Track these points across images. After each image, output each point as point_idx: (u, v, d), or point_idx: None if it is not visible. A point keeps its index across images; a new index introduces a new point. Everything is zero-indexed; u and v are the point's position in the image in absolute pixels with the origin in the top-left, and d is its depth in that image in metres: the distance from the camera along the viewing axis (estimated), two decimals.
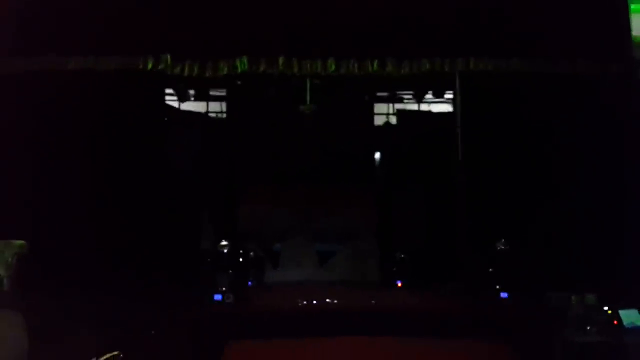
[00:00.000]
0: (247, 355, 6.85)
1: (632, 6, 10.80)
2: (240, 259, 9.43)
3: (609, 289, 7.05)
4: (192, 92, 10.17)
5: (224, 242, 9.03)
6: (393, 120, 11.72)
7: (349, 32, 8.86)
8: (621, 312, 6.32)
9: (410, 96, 11.38)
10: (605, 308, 6.51)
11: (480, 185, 9.29)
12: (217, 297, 8.07)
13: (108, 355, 4.99)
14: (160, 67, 8.18)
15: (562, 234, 8.54)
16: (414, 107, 11.65)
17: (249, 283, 9.49)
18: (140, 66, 8.12)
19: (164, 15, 8.42)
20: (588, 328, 6.42)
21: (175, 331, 7.02)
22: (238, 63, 8.44)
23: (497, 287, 8.36)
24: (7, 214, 7.63)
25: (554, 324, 6.80)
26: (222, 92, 10.62)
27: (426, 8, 8.94)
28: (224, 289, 8.16)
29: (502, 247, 8.65)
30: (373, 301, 8.30)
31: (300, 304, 8.07)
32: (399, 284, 10.13)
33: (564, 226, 8.61)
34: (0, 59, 8.12)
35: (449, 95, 11.34)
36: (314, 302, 8.16)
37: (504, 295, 8.23)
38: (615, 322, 6.29)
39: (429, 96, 11.32)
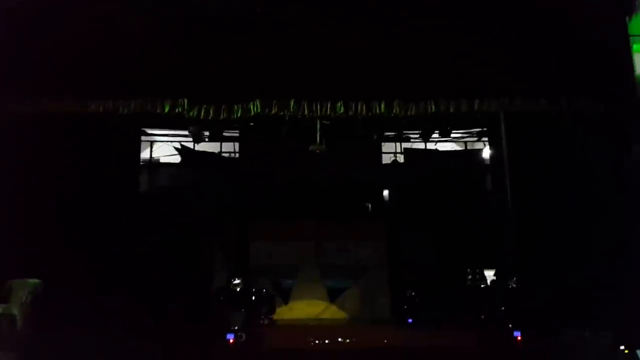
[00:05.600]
0: None
1: (635, 46, 11.12)
2: (253, 297, 9.43)
3: (626, 327, 7.00)
4: (206, 133, 10.38)
5: (236, 280, 9.07)
6: (401, 158, 11.90)
7: (357, 75, 9.12)
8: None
9: (417, 135, 11.58)
10: (622, 347, 6.41)
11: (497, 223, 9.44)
12: (230, 336, 8.07)
13: None
14: (177, 110, 8.42)
15: (580, 271, 8.53)
16: (420, 145, 11.86)
17: (261, 321, 9.46)
18: (158, 110, 8.36)
19: (181, 60, 8.71)
20: None
21: None
22: (251, 106, 8.68)
23: (510, 325, 8.34)
24: None
25: None
26: (235, 133, 10.84)
27: (430, 52, 9.24)
28: (236, 327, 8.17)
29: (514, 285, 8.68)
30: (385, 340, 8.29)
31: (312, 343, 8.08)
32: (410, 322, 10.11)
33: (582, 262, 8.62)
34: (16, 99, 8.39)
35: (454, 134, 11.60)
36: (326, 341, 8.16)
37: (516, 333, 8.18)
38: None
39: (435, 135, 11.53)
